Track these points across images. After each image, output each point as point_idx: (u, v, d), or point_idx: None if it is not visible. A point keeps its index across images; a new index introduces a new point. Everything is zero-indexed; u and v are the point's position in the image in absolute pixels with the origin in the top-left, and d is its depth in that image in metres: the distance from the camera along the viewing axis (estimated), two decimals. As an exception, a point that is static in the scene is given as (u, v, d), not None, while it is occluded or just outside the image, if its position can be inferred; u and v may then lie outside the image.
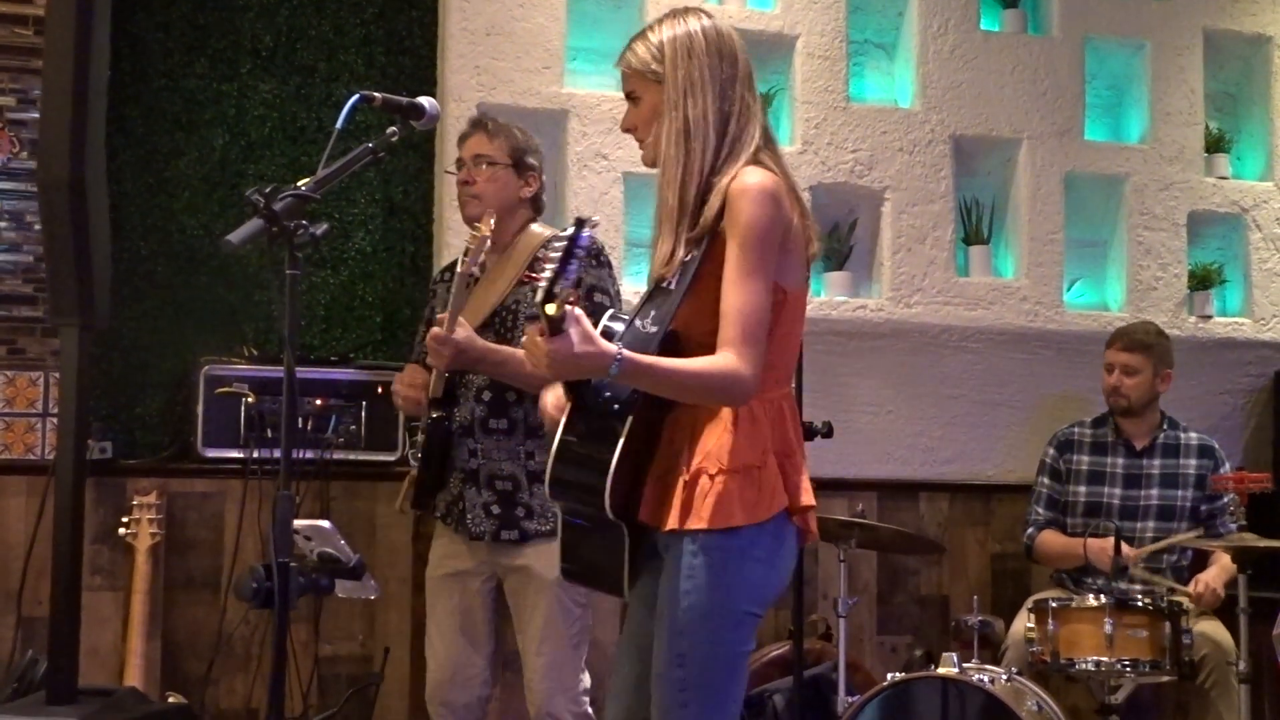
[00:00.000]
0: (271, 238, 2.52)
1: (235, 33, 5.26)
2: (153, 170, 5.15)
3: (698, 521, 2.73)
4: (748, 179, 2.76)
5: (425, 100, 2.85)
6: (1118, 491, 5.16)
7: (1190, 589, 4.82)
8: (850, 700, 4.40)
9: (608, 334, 2.74)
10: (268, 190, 2.51)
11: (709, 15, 2.92)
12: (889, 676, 4.38)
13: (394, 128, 2.82)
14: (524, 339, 2.61)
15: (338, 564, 2.53)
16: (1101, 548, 4.68)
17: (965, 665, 4.29)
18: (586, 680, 4.18)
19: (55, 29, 4.25)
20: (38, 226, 4.80)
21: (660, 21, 2.91)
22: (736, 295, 2.70)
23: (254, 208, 2.50)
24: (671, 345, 2.74)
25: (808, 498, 2.85)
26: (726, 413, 2.76)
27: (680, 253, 2.77)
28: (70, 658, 4.07)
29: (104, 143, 4.24)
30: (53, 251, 4.21)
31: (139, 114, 5.12)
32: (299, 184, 2.57)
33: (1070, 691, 4.88)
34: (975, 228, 5.85)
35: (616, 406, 2.71)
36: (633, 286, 5.33)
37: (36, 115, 4.88)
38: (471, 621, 4.14)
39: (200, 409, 4.82)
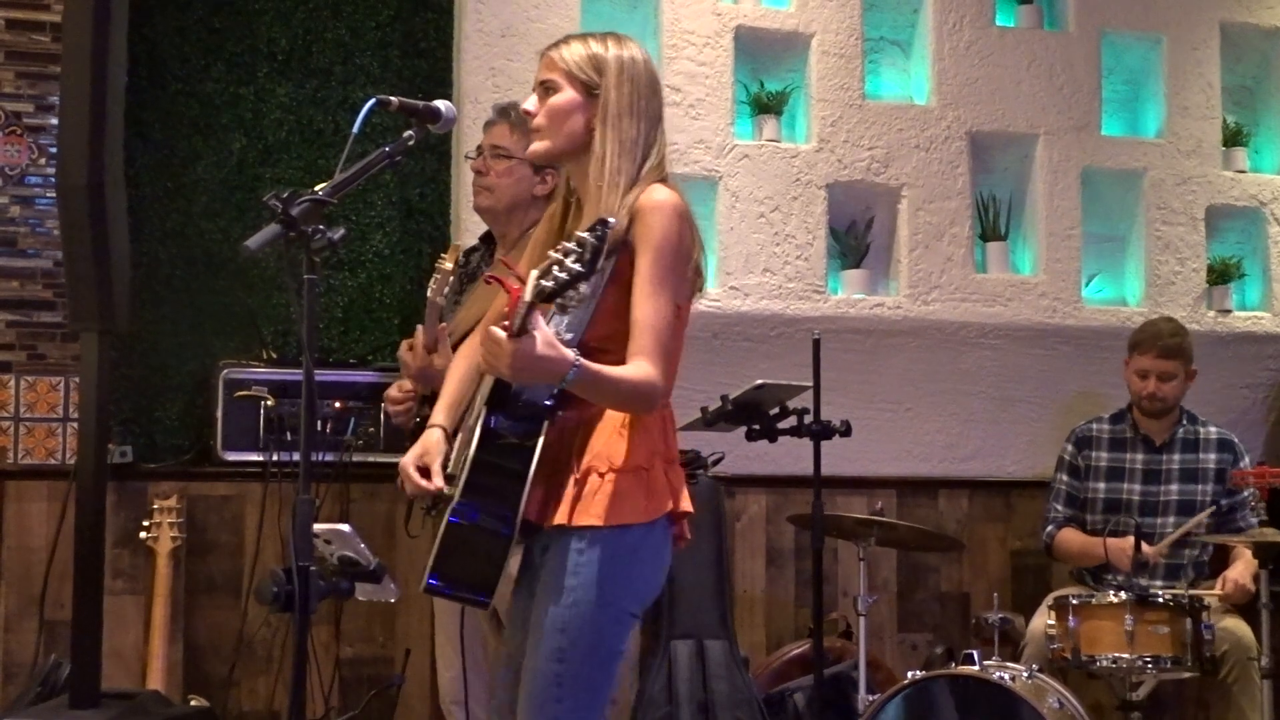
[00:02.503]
0: (289, 242, 2.52)
1: (251, 37, 5.28)
2: (170, 174, 5.17)
3: (589, 518, 2.77)
4: (658, 195, 2.83)
5: (441, 103, 2.85)
6: (1137, 487, 5.15)
7: (1218, 588, 4.80)
8: (871, 698, 4.40)
9: None
10: (285, 195, 2.52)
11: (643, 49, 3.02)
12: (909, 674, 4.38)
13: (410, 131, 2.82)
14: (482, 334, 2.60)
15: (358, 567, 2.53)
16: (1121, 548, 4.67)
17: (986, 662, 4.28)
18: None
19: (72, 35, 4.27)
20: (57, 232, 4.82)
21: (603, 37, 2.97)
22: (650, 306, 2.76)
23: (272, 213, 2.51)
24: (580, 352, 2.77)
25: (687, 504, 2.91)
26: (617, 416, 2.81)
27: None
28: (93, 661, 4.10)
29: (122, 147, 4.26)
30: (72, 256, 4.23)
31: (156, 119, 5.14)
32: (316, 188, 2.57)
33: (1091, 688, 4.86)
34: (992, 224, 5.84)
35: (531, 413, 2.73)
36: (650, 286, 5.33)
37: (55, 121, 4.90)
38: (475, 625, 4.13)
39: (220, 412, 4.84)
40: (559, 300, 2.63)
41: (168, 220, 5.15)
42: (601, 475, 2.79)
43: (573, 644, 2.76)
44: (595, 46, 2.94)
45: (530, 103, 2.93)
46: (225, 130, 5.24)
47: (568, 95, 2.90)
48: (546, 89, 2.91)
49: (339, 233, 2.55)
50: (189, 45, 5.22)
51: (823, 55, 5.61)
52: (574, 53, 2.93)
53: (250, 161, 5.25)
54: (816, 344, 4.47)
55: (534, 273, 2.51)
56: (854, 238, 5.68)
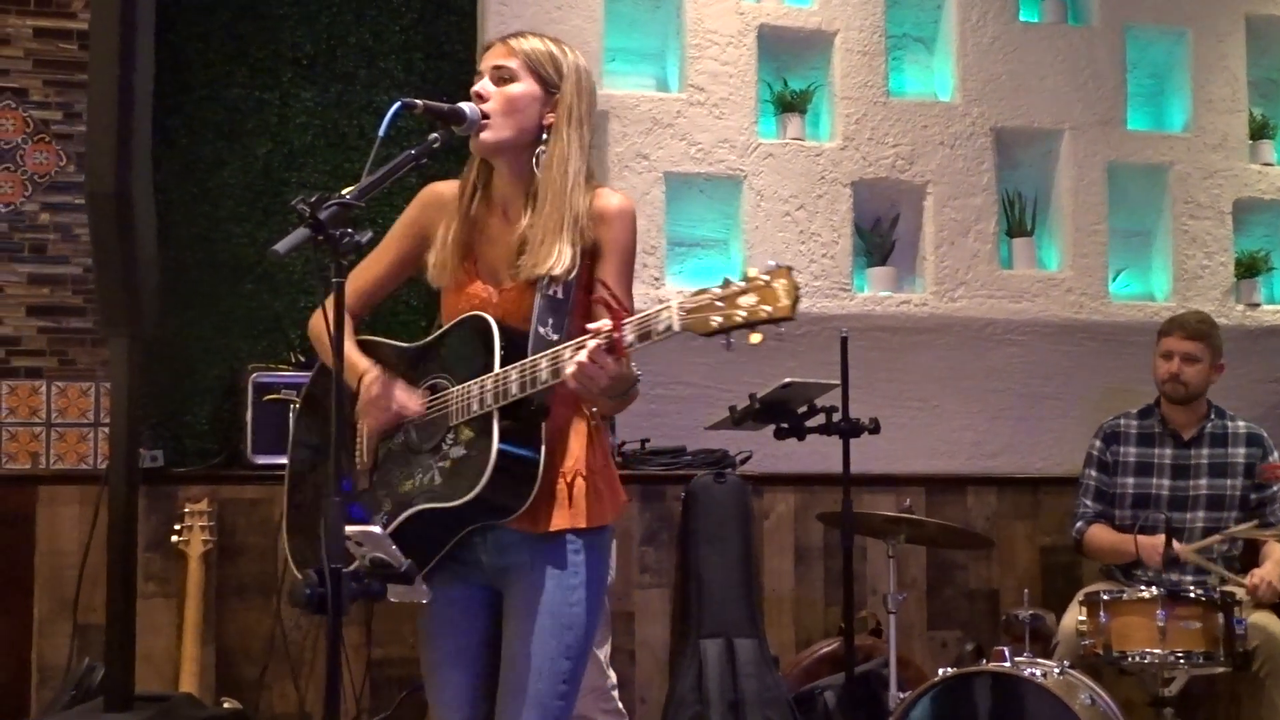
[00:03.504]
0: (317, 246, 2.53)
1: (275, 42, 5.30)
2: (196, 180, 5.20)
3: (579, 520, 2.84)
4: (617, 200, 2.91)
5: (466, 106, 2.85)
6: (1166, 482, 5.13)
7: (1246, 582, 4.78)
8: (901, 696, 4.39)
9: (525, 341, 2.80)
10: (313, 199, 2.52)
11: None
12: (940, 672, 4.36)
13: (436, 134, 2.82)
14: (579, 355, 2.58)
15: (389, 569, 2.53)
16: (1152, 544, 4.66)
17: (1017, 659, 4.27)
18: (613, 677, 4.18)
19: (99, 42, 4.29)
20: (86, 238, 4.84)
21: (557, 41, 2.96)
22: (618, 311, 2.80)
23: (300, 217, 2.51)
24: None
25: (624, 496, 3.00)
26: (579, 421, 2.87)
27: (569, 262, 2.81)
28: (126, 664, 4.12)
29: (150, 154, 4.28)
30: (101, 262, 4.25)
31: (181, 124, 5.17)
32: (343, 192, 2.57)
33: (1123, 684, 4.84)
34: (1018, 220, 5.83)
35: (533, 409, 2.74)
36: (675, 286, 5.34)
37: (82, 128, 4.92)
38: None
39: (249, 416, 4.86)
40: (547, 295, 2.75)
41: (194, 225, 5.18)
42: (583, 478, 2.85)
43: (578, 641, 2.83)
44: (553, 47, 2.93)
45: (483, 85, 2.89)
46: (250, 135, 5.26)
47: (526, 86, 2.89)
48: (502, 79, 2.89)
49: (366, 236, 2.55)
50: (213, 51, 5.25)
51: (846, 53, 5.61)
52: (534, 47, 2.91)
53: (275, 166, 5.28)
54: (844, 342, 4.47)
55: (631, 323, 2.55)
56: (879, 235, 5.67)
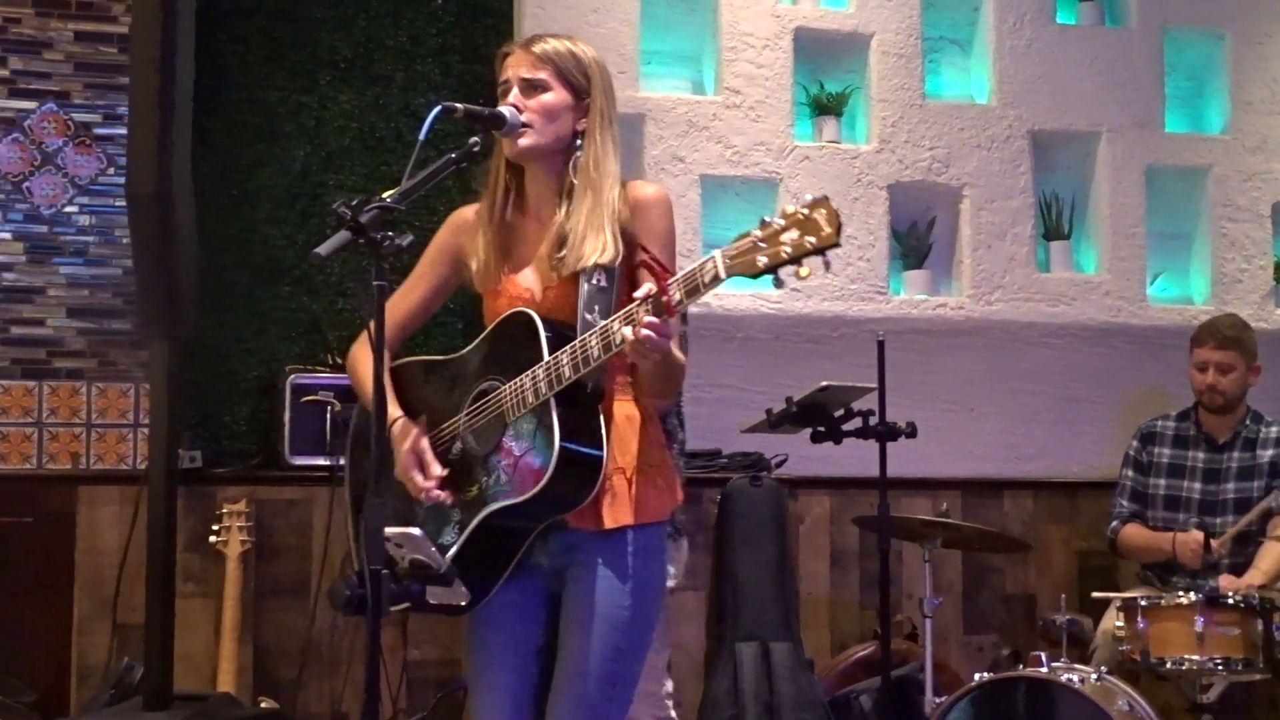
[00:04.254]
0: (358, 249, 2.54)
1: (313, 45, 5.32)
2: (234, 182, 5.22)
3: (641, 516, 2.82)
4: (652, 190, 2.93)
5: (506, 109, 2.85)
6: (1197, 486, 5.10)
7: (1221, 583, 4.72)
8: (938, 701, 4.38)
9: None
10: (354, 203, 2.54)
11: None
12: (976, 676, 4.36)
13: (475, 138, 2.83)
14: (641, 321, 2.55)
15: (429, 570, 2.54)
16: (1187, 543, 4.64)
17: (1054, 664, 4.25)
18: (669, 685, 4.18)
19: (139, 46, 4.33)
20: (126, 240, 4.88)
21: (573, 39, 2.98)
22: None
23: (340, 220, 2.52)
24: None
25: (680, 494, 2.99)
26: (632, 414, 2.86)
27: (613, 250, 2.81)
28: (165, 664, 4.15)
29: (189, 156, 4.31)
30: (141, 264, 4.28)
31: (220, 127, 5.19)
32: (384, 195, 2.59)
33: (1161, 690, 4.82)
34: (1055, 223, 5.81)
35: (590, 393, 2.73)
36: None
37: (122, 131, 4.96)
38: None
39: (286, 417, 4.88)
40: (592, 285, 2.75)
41: (232, 228, 5.20)
42: (638, 474, 2.83)
43: (629, 643, 2.81)
44: (577, 49, 2.95)
45: (517, 98, 2.89)
46: (288, 138, 5.28)
47: (560, 96, 2.90)
48: (534, 87, 2.89)
49: (407, 239, 2.56)
50: (252, 54, 5.27)
51: (882, 55, 5.60)
52: (561, 53, 2.93)
53: (313, 169, 5.30)
54: (881, 345, 4.46)
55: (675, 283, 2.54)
56: (915, 238, 5.66)
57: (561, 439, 2.66)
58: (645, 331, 2.54)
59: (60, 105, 5.04)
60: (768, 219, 2.47)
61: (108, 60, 5.07)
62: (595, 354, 2.64)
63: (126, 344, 5.03)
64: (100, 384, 5.00)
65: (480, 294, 2.98)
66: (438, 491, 2.82)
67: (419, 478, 2.82)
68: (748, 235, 2.47)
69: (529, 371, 2.73)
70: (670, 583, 4.02)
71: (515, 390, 2.75)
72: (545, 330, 2.74)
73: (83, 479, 4.90)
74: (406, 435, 2.86)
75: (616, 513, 2.80)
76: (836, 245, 2.43)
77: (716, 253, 2.50)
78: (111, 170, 5.05)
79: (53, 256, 5.02)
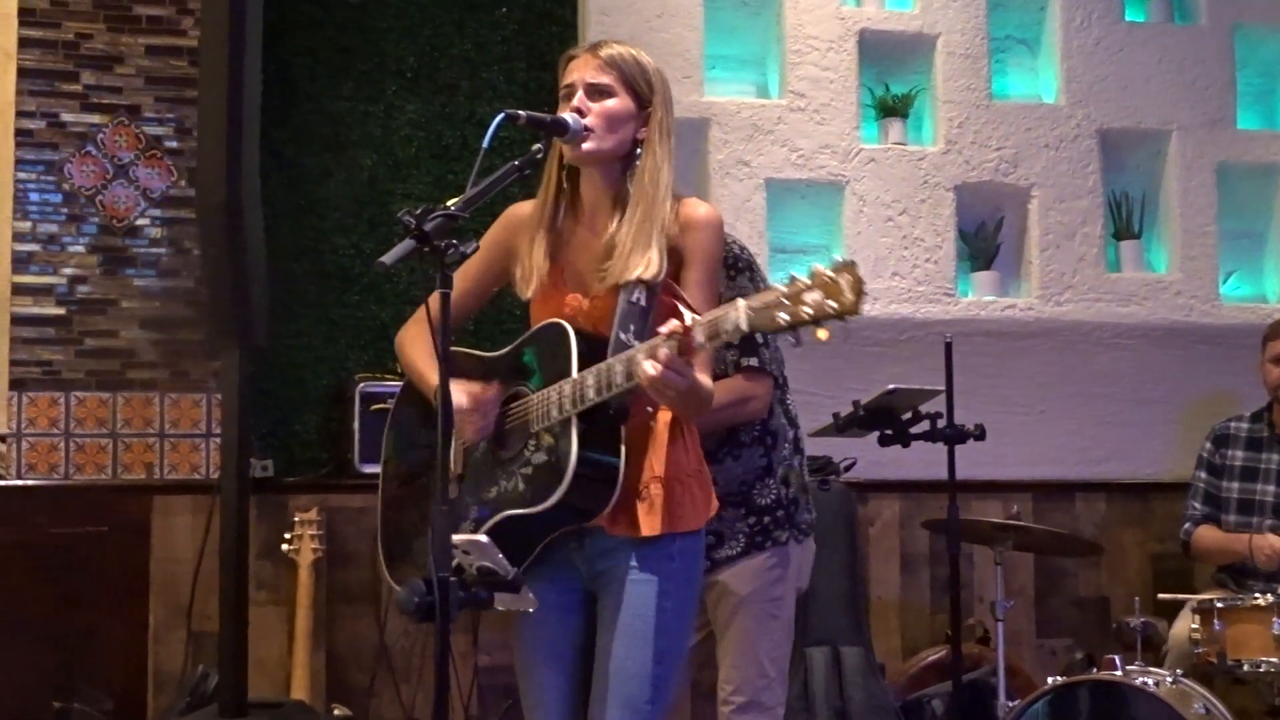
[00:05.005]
0: (423, 257, 2.55)
1: (380, 54, 5.36)
2: (303, 192, 5.27)
3: (676, 524, 2.85)
4: (704, 209, 2.94)
5: (569, 116, 2.86)
6: (1271, 488, 5.02)
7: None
8: (1011, 704, 4.34)
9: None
10: (419, 211, 2.55)
11: None
12: (1049, 680, 4.31)
13: (539, 144, 2.85)
14: (660, 363, 2.59)
15: (496, 577, 2.55)
16: (1262, 545, 4.58)
17: (1128, 668, 4.21)
18: (780, 691, 4.12)
19: (208, 59, 4.38)
20: (197, 252, 4.93)
21: (639, 50, 2.97)
22: None
23: (405, 228, 2.54)
24: None
25: (715, 503, 3.02)
26: (669, 424, 2.88)
27: (656, 266, 2.82)
28: (240, 671, 4.19)
29: (258, 167, 4.35)
30: (212, 274, 4.33)
31: (288, 137, 5.24)
32: (448, 203, 2.60)
33: (1237, 693, 4.75)
34: (1125, 222, 5.75)
35: (612, 414, 2.76)
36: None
37: (193, 144, 5.02)
38: None
39: (356, 426, 4.92)
40: (631, 302, 2.77)
41: (301, 237, 5.25)
42: (679, 482, 2.87)
43: (670, 646, 2.84)
44: (641, 58, 2.95)
45: (582, 102, 2.89)
46: (355, 147, 5.33)
47: (624, 103, 2.91)
48: (599, 92, 2.90)
49: (471, 246, 2.58)
50: (319, 65, 5.32)
51: (948, 56, 5.57)
52: (627, 60, 2.93)
53: (380, 177, 5.34)
54: (949, 347, 4.42)
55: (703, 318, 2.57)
56: (983, 239, 5.63)
57: (578, 456, 2.70)
58: (662, 371, 2.58)
59: (132, 119, 5.11)
60: (797, 276, 2.48)
61: (178, 74, 5.13)
62: (619, 381, 2.67)
63: (199, 354, 5.08)
64: (173, 395, 5.06)
65: (523, 297, 3.00)
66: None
67: (473, 404, 2.85)
68: (774, 290, 2.49)
69: (556, 385, 2.77)
70: (796, 586, 3.98)
71: (542, 401, 2.79)
72: (577, 346, 2.77)
73: (157, 489, 4.96)
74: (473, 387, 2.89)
75: (654, 521, 2.83)
76: (856, 314, 2.44)
77: (741, 303, 2.51)
78: (183, 182, 5.10)
79: (125, 269, 5.08)
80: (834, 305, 2.43)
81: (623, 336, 2.77)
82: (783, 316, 2.47)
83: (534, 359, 2.88)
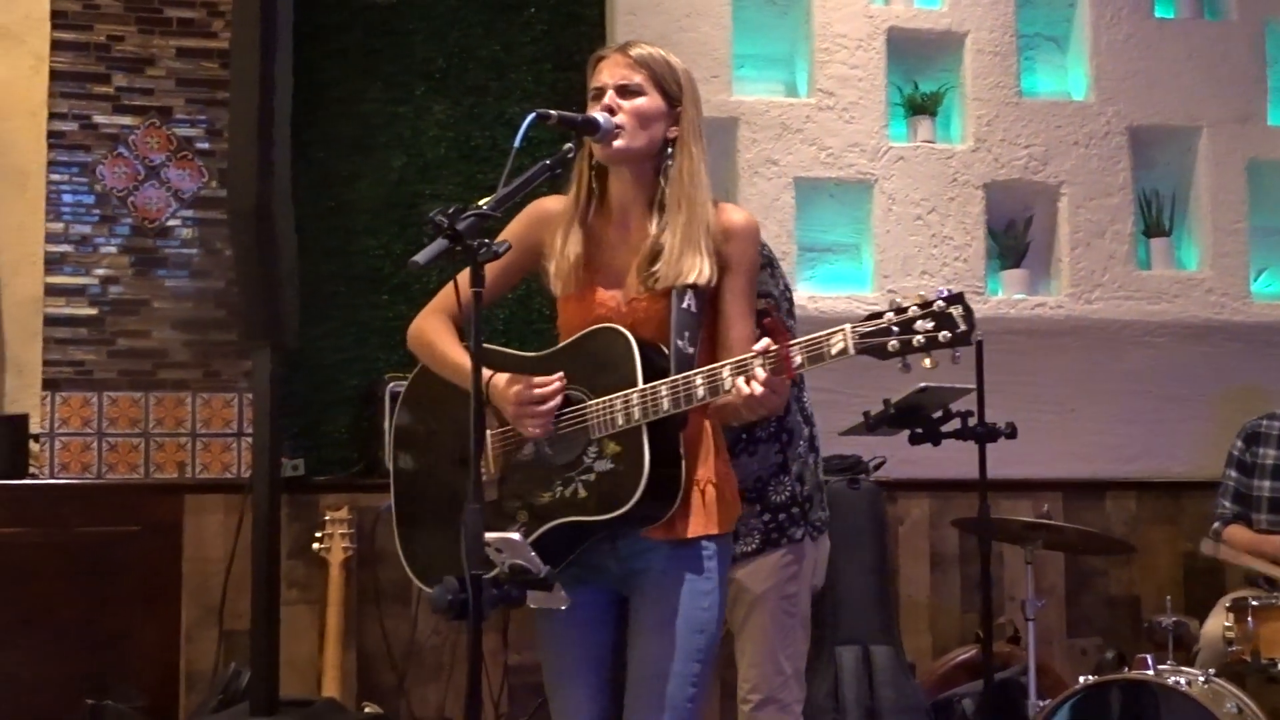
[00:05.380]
0: (455, 257, 2.56)
1: (408, 56, 5.38)
2: (332, 193, 5.29)
3: (713, 526, 2.87)
4: (745, 216, 2.97)
5: (599, 115, 2.87)
6: None
7: None
8: (1042, 704, 4.33)
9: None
10: (451, 211, 2.56)
11: None
12: (1080, 679, 4.30)
13: (569, 144, 2.85)
14: (759, 391, 2.61)
15: (529, 575, 2.56)
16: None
17: (1160, 667, 4.19)
18: (802, 694, 4.13)
19: (239, 62, 4.40)
20: (228, 253, 4.96)
21: (667, 50, 2.98)
22: (746, 326, 2.90)
23: (437, 228, 2.54)
24: None
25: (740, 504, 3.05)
26: (708, 432, 2.90)
27: (708, 273, 2.85)
28: (271, 670, 4.21)
29: (289, 169, 4.36)
30: (243, 275, 4.35)
31: (317, 139, 5.26)
32: (480, 203, 2.61)
33: (1270, 692, 4.72)
34: (1155, 220, 5.73)
35: (677, 422, 2.78)
36: (806, 291, 5.34)
37: (223, 145, 5.04)
38: None
39: (386, 425, 4.92)
40: (683, 309, 2.79)
41: (330, 238, 5.27)
42: (714, 485, 2.88)
43: (709, 644, 2.86)
44: (671, 59, 2.96)
45: (613, 100, 2.90)
46: (384, 149, 5.34)
47: (655, 101, 2.91)
48: (629, 92, 2.90)
49: (504, 246, 2.58)
50: (348, 67, 5.34)
51: (977, 54, 5.56)
52: (656, 59, 2.94)
53: (409, 179, 5.36)
54: (979, 345, 4.42)
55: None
56: (1013, 237, 5.61)
57: (650, 467, 2.71)
58: (761, 389, 2.60)
59: (163, 120, 5.13)
60: (902, 303, 2.55)
61: (209, 76, 5.16)
62: (700, 395, 2.70)
63: (230, 355, 5.11)
64: (205, 394, 5.09)
65: (555, 294, 3.00)
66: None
67: (541, 407, 2.82)
68: (882, 316, 2.55)
69: (621, 394, 2.76)
70: (812, 583, 3.99)
71: (603, 408, 2.78)
72: (640, 354, 2.77)
73: (188, 488, 4.99)
74: (510, 383, 2.86)
75: (694, 524, 2.85)
76: (969, 345, 2.53)
77: (847, 328, 2.56)
78: (213, 184, 5.13)
79: (157, 269, 5.11)
80: (947, 335, 2.51)
81: (679, 344, 2.79)
82: (894, 343, 2.54)
83: (588, 363, 2.86)
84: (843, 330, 2.56)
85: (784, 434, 3.85)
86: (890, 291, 5.31)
